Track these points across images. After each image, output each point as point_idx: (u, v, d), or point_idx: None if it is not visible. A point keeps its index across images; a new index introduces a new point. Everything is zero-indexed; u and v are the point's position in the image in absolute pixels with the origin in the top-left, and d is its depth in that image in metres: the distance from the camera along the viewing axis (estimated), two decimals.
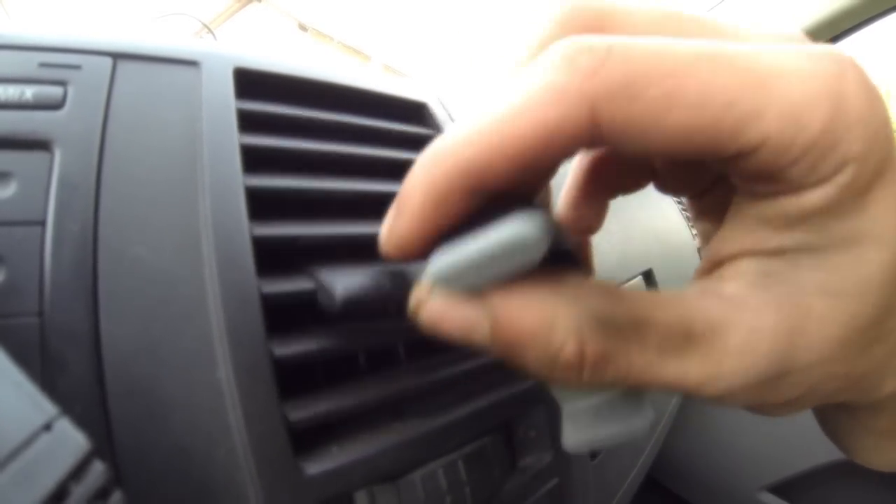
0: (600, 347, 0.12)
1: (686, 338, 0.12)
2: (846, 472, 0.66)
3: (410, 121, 0.32)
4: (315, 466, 0.17)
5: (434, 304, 0.13)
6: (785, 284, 0.12)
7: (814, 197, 0.12)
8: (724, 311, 0.12)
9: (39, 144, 0.18)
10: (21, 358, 0.13)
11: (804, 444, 0.68)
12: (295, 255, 0.21)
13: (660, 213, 0.60)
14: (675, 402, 0.55)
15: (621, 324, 0.12)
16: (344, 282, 0.18)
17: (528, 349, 0.12)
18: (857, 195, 0.12)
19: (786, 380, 0.12)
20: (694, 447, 0.79)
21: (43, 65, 0.20)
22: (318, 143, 0.24)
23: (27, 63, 0.19)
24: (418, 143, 0.29)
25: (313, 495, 0.17)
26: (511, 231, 0.10)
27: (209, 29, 1.08)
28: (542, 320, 0.12)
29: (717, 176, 0.17)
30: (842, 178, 0.11)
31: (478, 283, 0.12)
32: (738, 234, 0.13)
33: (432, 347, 0.26)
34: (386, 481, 0.19)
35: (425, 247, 0.13)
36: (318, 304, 0.19)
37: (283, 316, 0.19)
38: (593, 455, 0.33)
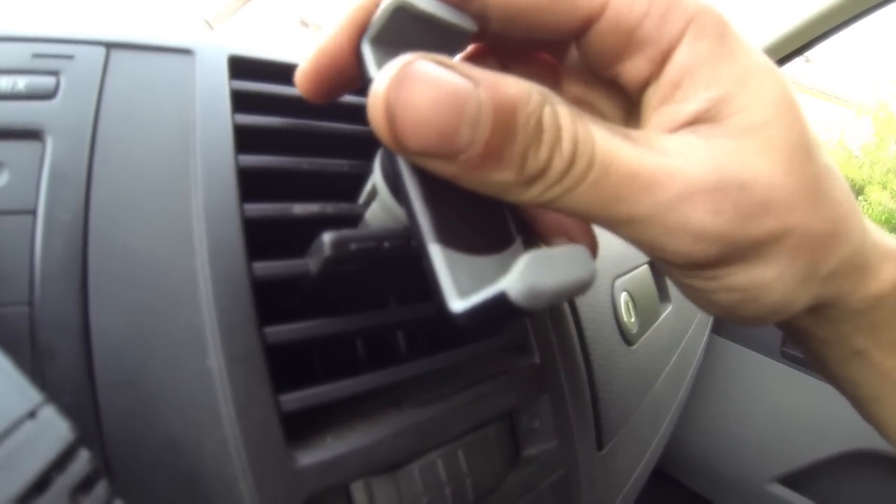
0: (571, 118, 0.13)
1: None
2: (855, 464, 0.66)
3: None
4: (308, 457, 0.17)
5: (422, 65, 0.11)
6: (711, 138, 0.14)
7: (683, 52, 0.14)
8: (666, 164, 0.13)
9: (31, 134, 0.18)
10: (10, 348, 0.12)
11: (813, 436, 0.68)
12: (287, 243, 0.21)
13: None
14: (683, 393, 0.54)
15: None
16: (332, 233, 0.17)
17: (517, 113, 0.12)
18: (718, 41, 0.14)
19: (741, 197, 0.13)
20: (703, 439, 0.79)
21: (36, 55, 0.19)
22: (314, 122, 0.24)
23: (21, 54, 0.19)
24: None
25: (307, 487, 0.17)
26: None
27: (211, 27, 1.08)
28: (521, 90, 0.12)
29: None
30: (694, 29, 0.14)
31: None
32: (653, 120, 0.15)
33: (432, 334, 0.26)
34: (383, 472, 0.19)
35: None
36: (309, 269, 0.18)
37: (276, 309, 0.19)
38: (601, 446, 0.33)
